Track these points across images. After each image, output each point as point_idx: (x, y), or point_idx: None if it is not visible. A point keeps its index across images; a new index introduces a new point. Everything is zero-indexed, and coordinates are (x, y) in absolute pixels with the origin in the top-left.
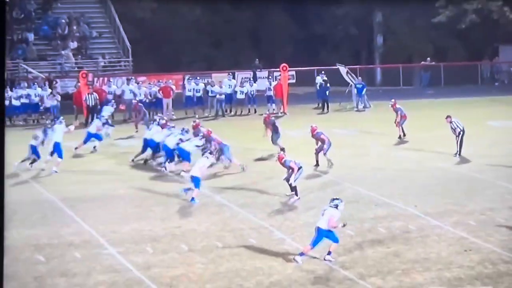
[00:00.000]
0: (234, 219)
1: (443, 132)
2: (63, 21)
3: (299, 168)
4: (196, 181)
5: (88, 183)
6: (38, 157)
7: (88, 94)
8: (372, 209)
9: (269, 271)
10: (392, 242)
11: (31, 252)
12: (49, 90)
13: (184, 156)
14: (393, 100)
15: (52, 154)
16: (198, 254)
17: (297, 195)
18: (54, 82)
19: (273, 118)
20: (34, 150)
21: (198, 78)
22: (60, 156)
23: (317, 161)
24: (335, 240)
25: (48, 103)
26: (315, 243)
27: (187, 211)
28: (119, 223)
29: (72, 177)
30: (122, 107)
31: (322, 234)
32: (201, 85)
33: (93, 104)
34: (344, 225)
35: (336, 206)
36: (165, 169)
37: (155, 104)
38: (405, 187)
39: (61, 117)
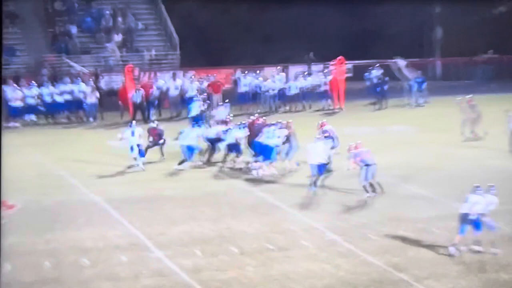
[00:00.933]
0: (285, 220)
1: (505, 128)
2: (108, 12)
3: (366, 165)
4: (321, 168)
5: (134, 183)
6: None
7: (135, 90)
8: (426, 209)
9: (322, 274)
10: (448, 243)
11: (76, 255)
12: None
13: (267, 153)
14: (469, 96)
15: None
16: (248, 256)
17: (374, 192)
18: (101, 77)
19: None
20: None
21: (257, 71)
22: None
23: None
24: (478, 228)
25: (88, 100)
26: (462, 231)
27: (237, 212)
28: (166, 225)
29: (118, 178)
30: (166, 104)
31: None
32: (259, 80)
33: (139, 101)
34: None
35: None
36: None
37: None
38: (462, 186)
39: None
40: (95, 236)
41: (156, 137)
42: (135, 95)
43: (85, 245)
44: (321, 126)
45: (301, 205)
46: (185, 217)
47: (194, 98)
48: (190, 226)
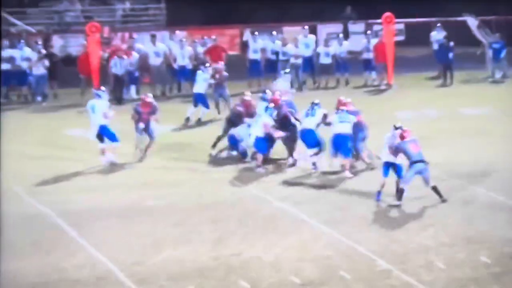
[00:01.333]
0: (317, 242)
1: None
2: None
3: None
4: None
5: (101, 190)
6: None
7: (117, 57)
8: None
9: None
10: None
11: None
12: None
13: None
14: None
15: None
16: None
17: (399, 200)
18: (53, 40)
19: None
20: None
21: (273, 32)
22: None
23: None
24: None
25: (34, 71)
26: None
27: (249, 230)
28: (147, 251)
29: (78, 182)
30: (146, 79)
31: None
32: (277, 44)
33: (122, 72)
34: None
35: None
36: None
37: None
38: None
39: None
40: (44, 266)
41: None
42: (117, 64)
43: (30, 280)
44: (343, 104)
45: (337, 220)
46: (174, 239)
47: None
48: (180, 252)
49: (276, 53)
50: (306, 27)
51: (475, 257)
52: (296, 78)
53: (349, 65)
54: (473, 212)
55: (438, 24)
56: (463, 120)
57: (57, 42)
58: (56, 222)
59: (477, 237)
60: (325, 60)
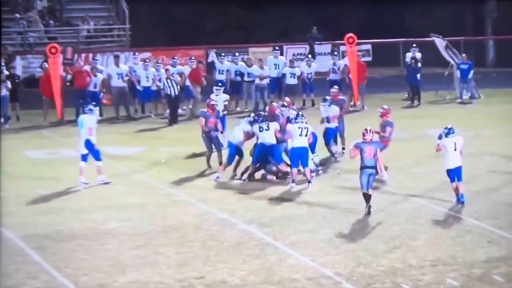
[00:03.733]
0: (283, 265)
1: None
2: None
3: None
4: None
5: (65, 212)
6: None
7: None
8: (484, 248)
9: None
10: None
11: None
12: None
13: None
14: None
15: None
16: None
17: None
18: (12, 60)
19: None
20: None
21: (236, 54)
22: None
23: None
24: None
25: None
26: None
27: (213, 253)
28: (110, 273)
29: (40, 203)
30: (106, 100)
31: None
32: (240, 65)
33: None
34: None
35: None
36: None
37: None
38: None
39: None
40: None
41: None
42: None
43: None
44: (384, 115)
45: (303, 242)
46: (138, 262)
47: None
48: (144, 275)
49: (241, 74)
50: (277, 48)
51: (442, 279)
52: (261, 100)
53: (314, 86)
54: (441, 234)
55: (414, 45)
56: (430, 140)
57: (19, 63)
58: (18, 245)
59: (445, 259)
60: (291, 81)
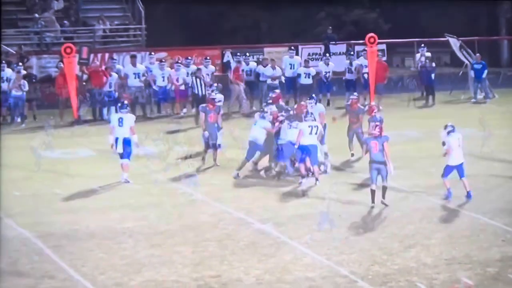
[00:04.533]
0: (298, 263)
1: None
2: None
3: None
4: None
5: (82, 211)
6: None
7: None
8: (499, 246)
9: None
10: None
11: None
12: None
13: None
14: None
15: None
16: None
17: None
18: (25, 60)
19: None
20: None
21: (247, 55)
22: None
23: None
24: None
25: (13, 92)
26: None
27: (229, 252)
28: (126, 272)
29: (57, 203)
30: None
31: None
32: (252, 64)
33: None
34: None
35: None
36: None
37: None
38: None
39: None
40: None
41: None
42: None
43: None
44: (371, 111)
45: (318, 241)
46: (154, 261)
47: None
48: (160, 274)
49: (257, 75)
50: (292, 48)
51: (457, 278)
52: None
53: (332, 85)
54: (456, 232)
55: (422, 45)
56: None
57: (36, 63)
58: (35, 244)
59: (460, 258)
60: (305, 81)
